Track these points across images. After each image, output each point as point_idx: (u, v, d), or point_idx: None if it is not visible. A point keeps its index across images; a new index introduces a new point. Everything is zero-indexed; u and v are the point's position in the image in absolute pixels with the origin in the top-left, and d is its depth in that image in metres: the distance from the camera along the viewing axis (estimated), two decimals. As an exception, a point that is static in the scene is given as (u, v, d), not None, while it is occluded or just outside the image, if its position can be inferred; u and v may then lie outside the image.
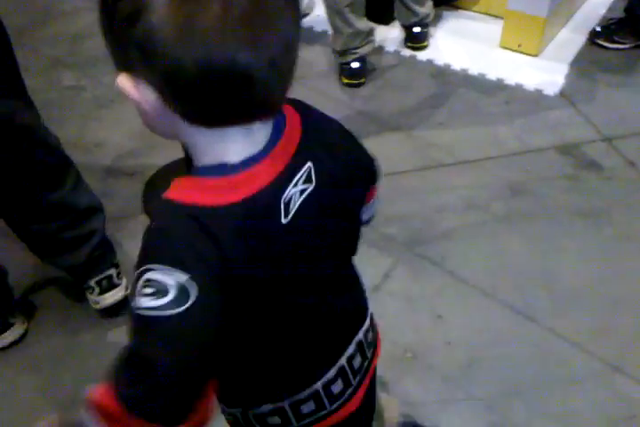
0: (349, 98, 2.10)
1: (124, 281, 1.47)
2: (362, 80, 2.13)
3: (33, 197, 1.28)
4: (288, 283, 0.63)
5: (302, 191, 0.59)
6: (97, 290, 1.43)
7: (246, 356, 0.67)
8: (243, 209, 0.54)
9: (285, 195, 0.57)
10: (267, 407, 0.73)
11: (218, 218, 0.53)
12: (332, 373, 0.74)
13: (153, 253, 0.54)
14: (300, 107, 0.63)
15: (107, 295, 1.44)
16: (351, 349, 0.77)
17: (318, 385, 0.73)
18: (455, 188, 1.77)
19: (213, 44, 0.45)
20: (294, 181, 0.58)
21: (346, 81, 2.13)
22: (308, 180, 0.59)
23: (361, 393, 0.79)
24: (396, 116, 2.01)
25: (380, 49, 2.26)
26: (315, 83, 2.14)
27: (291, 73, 0.52)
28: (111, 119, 2.01)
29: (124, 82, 0.51)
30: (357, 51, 2.08)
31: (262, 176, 0.55)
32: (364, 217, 0.78)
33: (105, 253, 1.44)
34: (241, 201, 0.54)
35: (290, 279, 0.63)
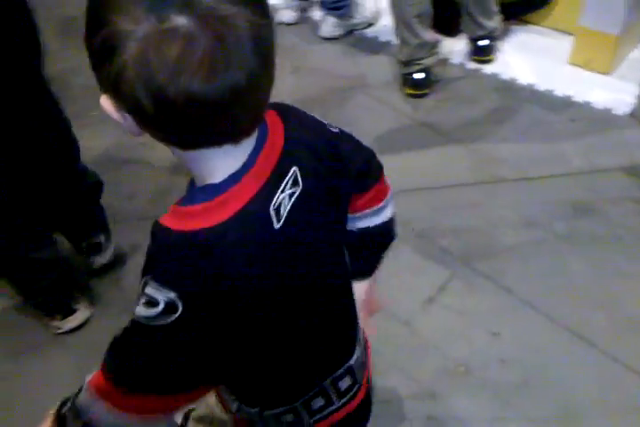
0: (412, 108, 2.10)
1: (113, 244, 1.60)
2: (425, 91, 2.13)
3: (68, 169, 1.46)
4: (288, 290, 0.64)
5: (291, 195, 0.60)
6: (87, 252, 1.58)
7: (248, 365, 0.69)
8: (235, 223, 0.56)
9: (274, 202, 0.58)
10: (278, 409, 0.76)
11: (213, 236, 0.55)
12: (340, 371, 0.76)
13: (149, 269, 0.58)
14: (284, 111, 0.64)
15: (96, 258, 1.59)
16: (357, 352, 0.78)
17: (327, 382, 0.76)
18: (516, 204, 1.74)
19: (169, 83, 0.47)
20: (281, 188, 0.59)
21: (409, 91, 2.13)
22: (294, 183, 0.61)
23: (363, 392, 0.81)
24: (459, 129, 1.99)
25: (445, 61, 2.25)
26: (378, 92, 2.16)
27: (259, 103, 0.54)
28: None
29: (105, 103, 0.53)
30: (422, 62, 2.08)
31: (247, 189, 0.57)
32: (375, 222, 0.80)
33: (95, 218, 1.57)
34: (231, 216, 0.56)
35: (290, 286, 0.64)
